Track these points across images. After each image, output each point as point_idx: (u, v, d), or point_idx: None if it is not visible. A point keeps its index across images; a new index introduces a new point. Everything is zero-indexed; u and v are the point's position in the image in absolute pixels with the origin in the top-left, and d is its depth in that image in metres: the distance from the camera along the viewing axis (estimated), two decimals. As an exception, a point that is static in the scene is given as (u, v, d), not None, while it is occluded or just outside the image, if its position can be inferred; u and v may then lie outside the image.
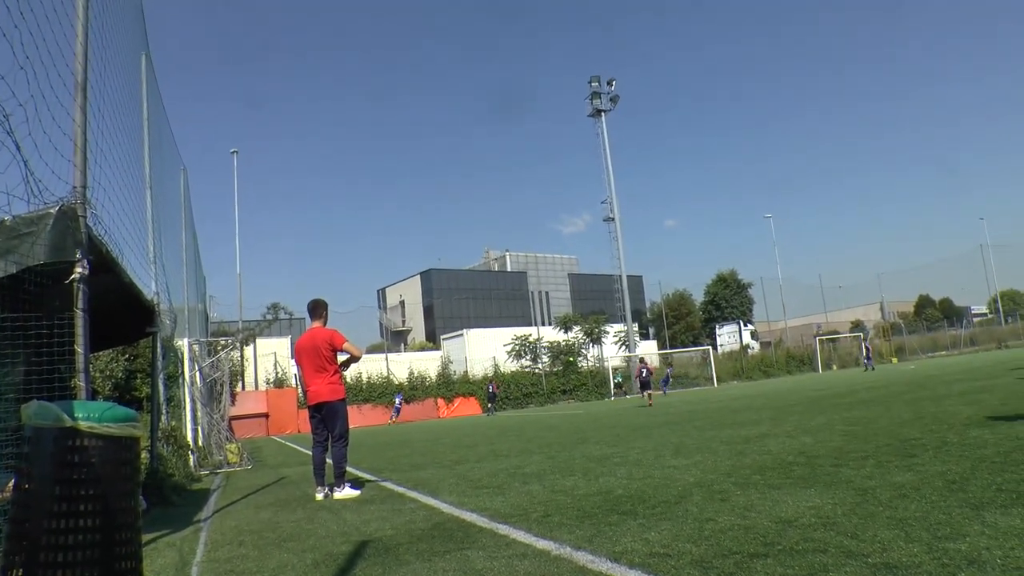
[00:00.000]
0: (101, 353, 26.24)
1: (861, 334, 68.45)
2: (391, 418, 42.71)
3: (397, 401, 43.83)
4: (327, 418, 9.08)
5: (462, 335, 62.56)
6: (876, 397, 17.19)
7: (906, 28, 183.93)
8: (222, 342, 21.70)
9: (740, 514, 5.28)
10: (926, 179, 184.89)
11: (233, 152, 46.61)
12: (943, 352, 56.42)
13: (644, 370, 34.56)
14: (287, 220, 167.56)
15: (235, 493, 10.36)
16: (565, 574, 4.16)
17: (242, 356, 41.57)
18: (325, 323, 9.28)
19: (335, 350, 9.05)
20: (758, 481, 6.72)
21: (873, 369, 44.28)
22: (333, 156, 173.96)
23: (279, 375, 44.64)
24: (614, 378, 52.08)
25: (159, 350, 10.56)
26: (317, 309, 9.27)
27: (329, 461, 9.08)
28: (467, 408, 46.59)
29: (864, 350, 49.81)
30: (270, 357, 45.66)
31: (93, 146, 6.24)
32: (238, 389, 39.53)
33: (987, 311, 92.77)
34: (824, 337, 68.47)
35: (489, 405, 44.47)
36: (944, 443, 7.90)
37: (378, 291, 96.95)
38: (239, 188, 45.17)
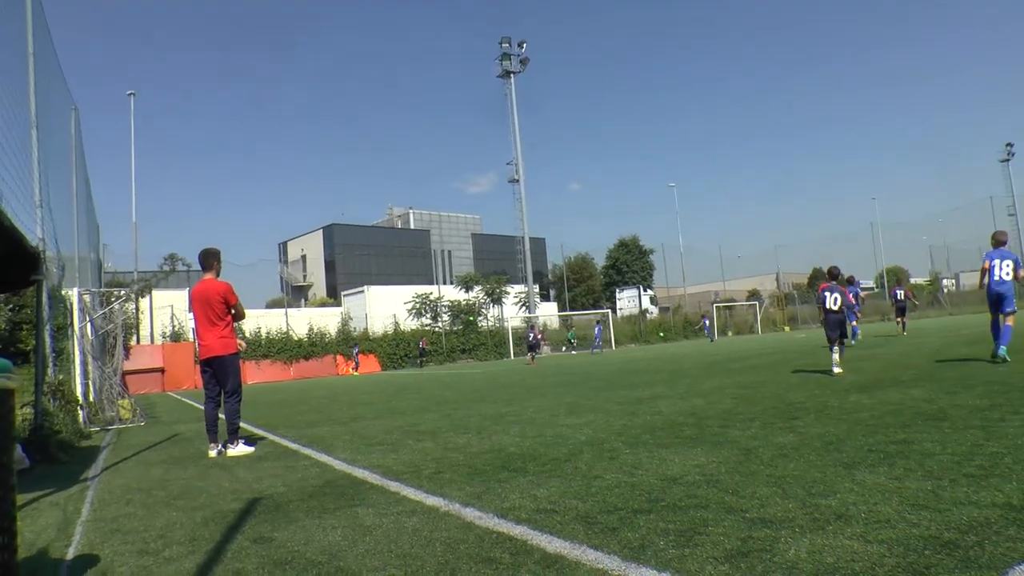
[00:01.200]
0: (-20, 301, 25.13)
1: (758, 304, 70.60)
2: (353, 369, 44.25)
3: (355, 352, 45.38)
4: (219, 372, 8.89)
5: (363, 292, 62.05)
6: (766, 363, 17.79)
7: None
8: (116, 293, 20.97)
9: (628, 472, 5.43)
10: (825, 156, 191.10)
11: (130, 94, 44.59)
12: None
13: (531, 334, 39.35)
14: (186, 169, 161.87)
15: (126, 450, 10.11)
16: (452, 530, 4.22)
17: (137, 308, 40.32)
18: (218, 274, 9.01)
19: (228, 305, 8.87)
20: (648, 440, 6.91)
21: (713, 340, 47.19)
22: (235, 104, 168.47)
23: (176, 328, 43.41)
24: (568, 335, 53.95)
25: (45, 299, 10.15)
26: (208, 259, 8.97)
27: (222, 417, 8.93)
28: (367, 365, 46.32)
29: (703, 321, 52.35)
30: (167, 310, 44.37)
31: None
32: (132, 343, 38.37)
33: (874, 285, 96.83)
34: (721, 304, 70.28)
35: (420, 360, 46.87)
36: (825, 407, 8.27)
37: (279, 244, 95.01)
38: (136, 133, 43.31)
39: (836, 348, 13.31)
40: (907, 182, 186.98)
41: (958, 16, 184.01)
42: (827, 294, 13.52)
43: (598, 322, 53.56)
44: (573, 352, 50.16)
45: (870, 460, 5.08)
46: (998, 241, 12.93)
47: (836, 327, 13.42)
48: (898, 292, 29.75)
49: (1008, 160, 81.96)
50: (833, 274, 13.99)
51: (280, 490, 5.96)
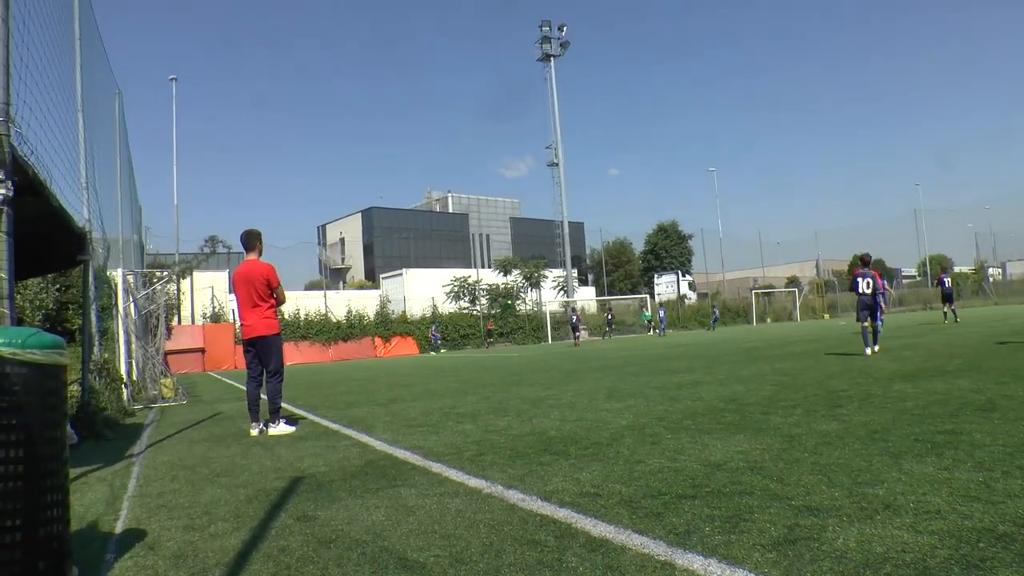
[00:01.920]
0: (30, 282, 25.57)
1: (798, 290, 69.91)
2: (434, 351, 45.29)
3: (433, 330, 46.99)
4: (261, 353, 8.96)
5: (401, 275, 62.36)
6: (807, 351, 17.63)
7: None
8: (158, 274, 21.24)
9: (670, 457, 5.40)
10: (867, 143, 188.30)
11: (172, 79, 45.09)
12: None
13: (574, 316, 41.48)
14: (228, 153, 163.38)
15: (169, 428, 10.24)
16: (495, 512, 4.22)
17: (178, 289, 40.79)
18: (260, 255, 9.06)
19: (271, 287, 8.93)
20: (689, 426, 6.86)
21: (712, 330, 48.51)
22: (276, 90, 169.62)
23: (216, 310, 44.02)
24: (641, 317, 55.57)
25: (91, 280, 10.29)
26: (251, 240, 9.01)
27: (264, 397, 9.00)
28: (404, 348, 46.61)
29: (713, 312, 52.74)
30: (207, 291, 44.94)
31: (17, 61, 5.98)
32: (174, 323, 38.89)
33: (916, 273, 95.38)
34: (760, 291, 69.71)
35: (436, 343, 47.41)
36: (869, 395, 8.17)
37: (318, 227, 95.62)
38: (178, 118, 43.82)
39: (869, 330, 14.61)
40: (953, 168, 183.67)
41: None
42: (859, 279, 14.70)
43: (661, 305, 54.33)
44: (651, 333, 52.02)
45: (917, 450, 5.00)
46: None
47: (867, 309, 14.65)
48: (946, 279, 29.44)
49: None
50: (865, 260, 15.01)
51: (322, 469, 5.99)
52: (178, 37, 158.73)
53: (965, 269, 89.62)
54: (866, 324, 14.82)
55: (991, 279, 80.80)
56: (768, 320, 64.01)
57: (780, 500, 3.98)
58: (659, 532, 3.58)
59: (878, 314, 14.85)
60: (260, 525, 4.30)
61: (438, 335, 47.33)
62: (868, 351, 14.44)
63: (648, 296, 63.93)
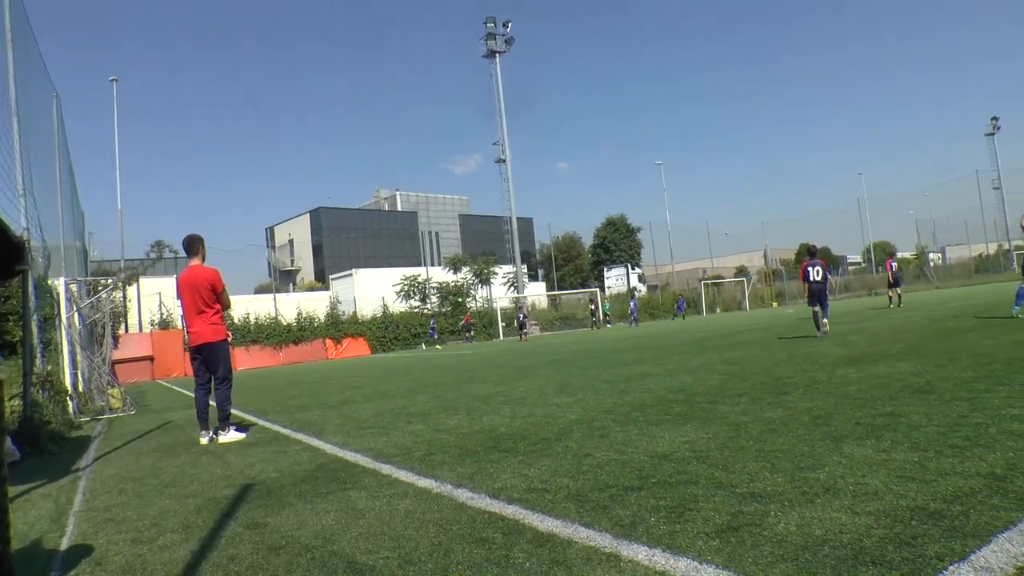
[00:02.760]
0: (-37, 293, 24.90)
1: (746, 280, 70.84)
2: (437, 345, 46.14)
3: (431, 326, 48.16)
4: (208, 360, 8.86)
5: (351, 275, 62.01)
6: (755, 339, 17.89)
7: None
8: (103, 282, 20.85)
9: (618, 449, 5.47)
10: (812, 133, 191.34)
11: (112, 80, 44.20)
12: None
13: (521, 313, 40.66)
14: (172, 156, 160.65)
15: (117, 440, 10.09)
16: (444, 511, 4.25)
17: (125, 296, 40.13)
18: (203, 260, 8.96)
19: (216, 292, 8.83)
20: (637, 418, 6.95)
21: (683, 319, 50.45)
22: (219, 90, 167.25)
23: (164, 316, 43.27)
24: (603, 308, 56.33)
25: (31, 290, 10.10)
26: (193, 245, 8.90)
27: (213, 404, 8.92)
28: (355, 349, 46.34)
29: (631, 307, 54.10)
30: (155, 298, 44.18)
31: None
32: (121, 331, 38.21)
33: (861, 260, 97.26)
34: (709, 281, 70.48)
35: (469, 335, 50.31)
36: (814, 381, 8.33)
37: (267, 229, 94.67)
38: (121, 120, 43.04)
39: (821, 314, 15.92)
40: (894, 157, 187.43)
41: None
42: (809, 268, 16.12)
43: (632, 297, 54.99)
44: (609, 326, 53.63)
45: (858, 433, 5.13)
46: None
47: (817, 295, 16.04)
48: (892, 264, 30.30)
49: (993, 134, 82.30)
50: (812, 251, 16.47)
51: (272, 475, 5.97)
52: (119, 38, 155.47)
53: (907, 255, 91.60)
54: (817, 308, 16.06)
55: (932, 264, 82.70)
56: (718, 310, 64.78)
57: (725, 488, 4.06)
58: (605, 525, 3.64)
59: (826, 299, 16.09)
60: (210, 535, 4.28)
61: (435, 329, 48.46)
62: (819, 332, 15.81)
63: (598, 290, 64.21)
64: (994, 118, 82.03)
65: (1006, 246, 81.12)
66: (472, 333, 51.05)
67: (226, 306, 9.03)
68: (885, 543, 2.99)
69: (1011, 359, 8.45)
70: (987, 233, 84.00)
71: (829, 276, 16.54)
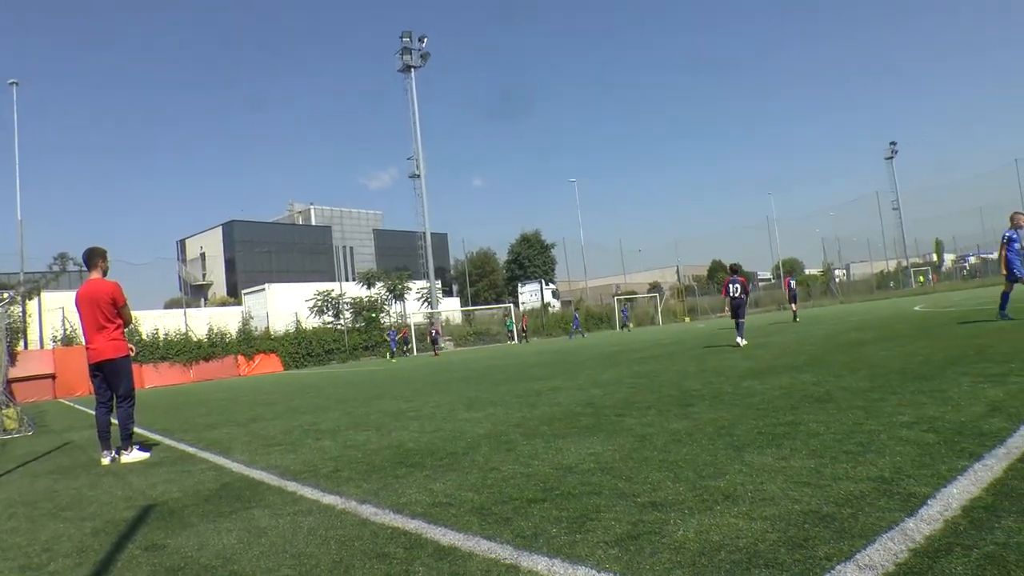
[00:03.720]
0: None
1: (659, 295, 72.01)
2: (390, 356, 45.59)
3: (392, 337, 47.37)
4: (109, 377, 8.58)
5: (264, 290, 60.93)
6: (665, 353, 18.19)
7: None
8: (0, 296, 20.06)
9: (524, 463, 5.49)
10: (723, 152, 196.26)
11: (12, 83, 42.50)
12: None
13: (434, 329, 44.68)
14: (77, 165, 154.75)
15: (9, 462, 9.68)
16: (347, 527, 4.21)
17: (24, 311, 38.66)
18: (104, 273, 8.70)
19: (117, 306, 8.57)
20: (545, 431, 6.99)
21: (629, 330, 51.72)
22: (130, 95, 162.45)
23: (68, 332, 41.60)
24: (507, 324, 56.97)
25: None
26: (92, 259, 8.64)
27: (115, 422, 8.64)
28: (268, 365, 45.54)
29: (623, 315, 55.26)
30: (57, 312, 42.45)
31: None
32: (20, 348, 36.78)
33: (771, 276, 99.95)
34: (623, 297, 71.39)
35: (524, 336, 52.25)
36: (720, 393, 8.51)
37: (177, 242, 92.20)
38: (22, 125, 41.45)
39: (739, 325, 17.98)
40: (801, 178, 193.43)
41: (845, 18, 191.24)
42: (731, 284, 18.43)
43: (576, 309, 56.49)
44: (512, 342, 53.87)
45: (759, 442, 5.25)
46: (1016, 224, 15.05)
47: (737, 309, 18.24)
48: (791, 282, 32.14)
49: (892, 157, 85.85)
50: (735, 269, 18.88)
51: (175, 496, 5.83)
52: (23, 37, 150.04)
53: (815, 271, 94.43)
54: (742, 320, 18.22)
55: (837, 280, 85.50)
56: (631, 325, 65.65)
57: (627, 498, 4.12)
58: (507, 536, 3.65)
59: (743, 312, 18.07)
60: (105, 559, 4.16)
61: (396, 339, 48.10)
62: (741, 341, 17.43)
63: (512, 305, 64.49)
64: (892, 142, 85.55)
65: (904, 263, 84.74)
66: (408, 347, 51.16)
67: (127, 322, 8.78)
68: (778, 546, 3.07)
69: (904, 369, 8.76)
70: (887, 251, 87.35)
71: (748, 293, 18.42)
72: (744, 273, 20.44)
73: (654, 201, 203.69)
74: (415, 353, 50.90)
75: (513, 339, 54.30)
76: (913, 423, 5.37)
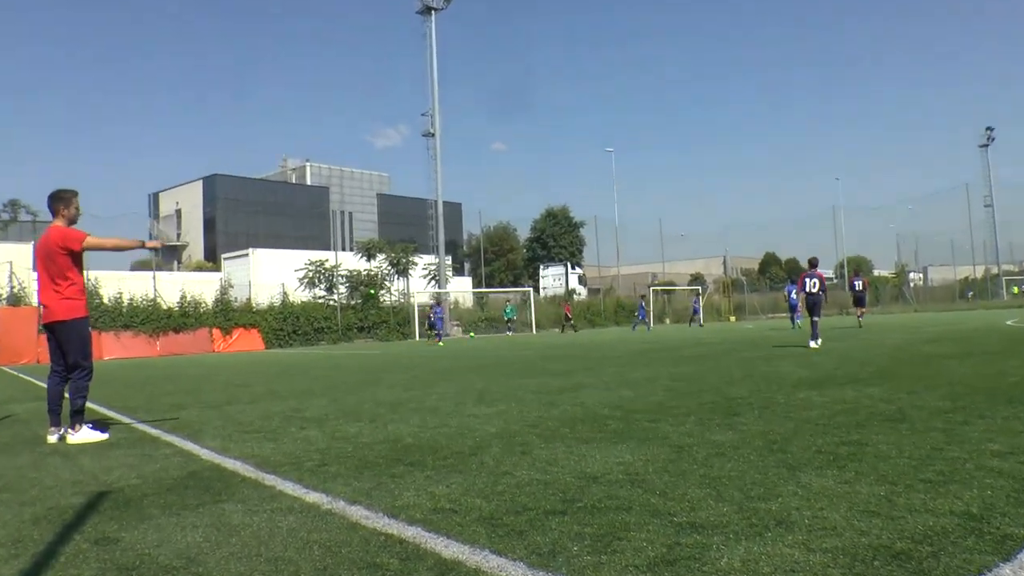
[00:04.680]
0: None
1: (699, 289, 71.76)
2: (438, 339, 41.57)
3: (438, 314, 42.42)
4: (61, 341, 8.48)
5: (247, 255, 61.09)
6: (707, 353, 18.12)
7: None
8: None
9: (541, 468, 5.42)
10: (785, 129, 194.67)
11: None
12: (784, 314, 59.80)
13: (439, 308, 43.13)
14: (37, 99, 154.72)
15: (-63, 435, 9.72)
16: (334, 531, 4.14)
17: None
18: (70, 223, 8.51)
19: (73, 253, 8.44)
20: (566, 434, 6.94)
21: (701, 326, 50.98)
22: (92, 22, 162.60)
23: (16, 290, 41.75)
24: (505, 313, 55.71)
25: None
26: (55, 203, 8.39)
27: (68, 396, 8.59)
28: (248, 341, 45.70)
29: (692, 308, 54.57)
30: (4, 267, 42.64)
31: None
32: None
33: (833, 275, 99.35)
34: (659, 288, 71.23)
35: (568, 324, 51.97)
36: (770, 403, 8.43)
37: (150, 195, 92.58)
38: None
39: (814, 325, 18.88)
40: (877, 162, 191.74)
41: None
42: (808, 280, 19.66)
43: (641, 297, 55.90)
44: (509, 333, 52.96)
45: (818, 462, 5.16)
46: None
47: (813, 307, 19.38)
48: (856, 283, 31.79)
49: (987, 145, 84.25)
50: (812, 263, 20.12)
51: (133, 483, 5.79)
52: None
53: (885, 273, 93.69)
54: (817, 319, 19.18)
55: (912, 284, 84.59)
56: (667, 321, 65.59)
57: (661, 516, 4.04)
58: (520, 552, 3.58)
59: (819, 311, 19.10)
60: (46, 551, 4.08)
61: (441, 317, 43.75)
62: (814, 343, 18.34)
63: (531, 289, 64.40)
64: (989, 128, 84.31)
65: (995, 270, 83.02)
66: (571, 322, 52.55)
67: (108, 248, 8.86)
68: (842, 585, 2.97)
69: (993, 390, 8.65)
70: (975, 254, 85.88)
71: (826, 291, 19.50)
72: (797, 270, 20.67)
73: (702, 180, 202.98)
74: (417, 338, 50.93)
75: (511, 330, 54.09)
76: (1007, 453, 5.26)
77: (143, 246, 9.05)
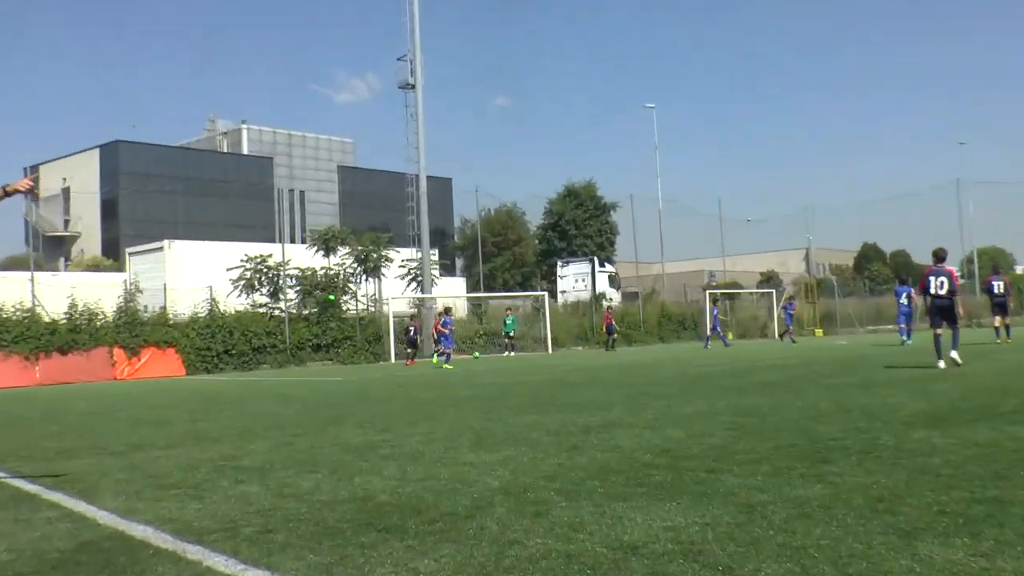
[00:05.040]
0: None
1: (791, 292, 71.74)
2: (444, 360, 39.12)
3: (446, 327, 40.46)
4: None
5: (162, 249, 61.07)
6: (785, 379, 18.11)
7: None
8: None
9: (562, 536, 5.41)
10: (887, 78, 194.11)
11: None
12: (890, 326, 59.70)
13: (412, 328, 44.12)
14: None
15: None
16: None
17: None
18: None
19: None
20: (595, 489, 6.94)
21: (794, 342, 49.88)
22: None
23: None
24: (504, 327, 54.84)
25: None
26: None
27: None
28: (163, 365, 45.60)
29: (786, 315, 54.12)
30: None
31: None
32: None
33: (960, 272, 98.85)
34: (718, 291, 71.26)
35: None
36: (874, 446, 8.41)
37: (26, 169, 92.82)
38: None
39: (943, 338, 18.92)
40: (1015, 120, 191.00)
41: None
42: (931, 278, 19.22)
43: (714, 301, 56.39)
44: (507, 354, 52.36)
45: (941, 527, 5.13)
46: None
47: (941, 314, 19.13)
48: (995, 284, 31.04)
49: None
50: (940, 256, 19.96)
51: (2, 558, 5.80)
52: None
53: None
54: (939, 331, 19.08)
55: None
56: (729, 335, 65.55)
57: (727, 602, 4.00)
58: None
59: (954, 316, 18.94)
60: None
61: (450, 334, 41.24)
62: (941, 364, 18.53)
63: (546, 294, 64.31)
64: None
65: None
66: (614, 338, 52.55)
67: None
68: None
69: None
70: None
71: (957, 292, 19.16)
72: (907, 265, 20.61)
73: (775, 146, 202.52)
74: (392, 360, 50.91)
75: (512, 349, 53.65)
76: None
77: (5, 193, 9.03)
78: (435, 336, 42.07)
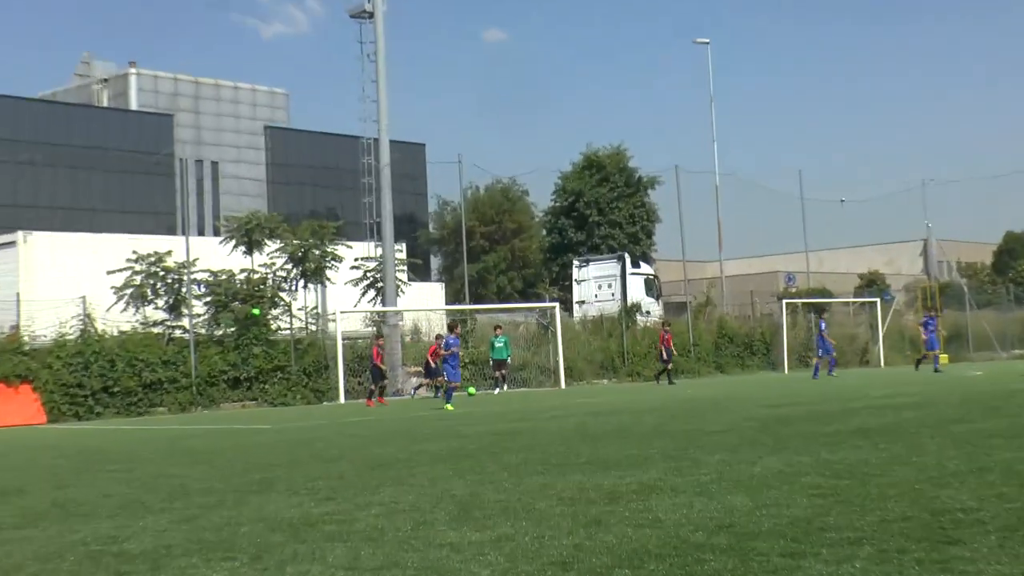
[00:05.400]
0: None
1: (882, 301, 71.82)
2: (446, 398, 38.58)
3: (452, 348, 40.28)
4: None
5: (13, 244, 61.16)
6: (895, 425, 18.09)
7: None
8: None
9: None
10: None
11: None
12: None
13: (451, 342, 40.48)
14: None
15: None
16: None
17: None
18: None
19: None
20: (624, 582, 6.83)
21: (937, 371, 50.43)
22: None
23: None
24: (492, 351, 54.78)
25: None
26: None
27: None
28: (11, 409, 45.35)
29: (926, 333, 54.08)
30: None
31: None
32: None
33: None
34: (799, 300, 71.29)
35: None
36: (1022, 521, 8.31)
37: None
38: None
39: None
40: None
41: None
42: None
43: (821, 315, 57.41)
44: (497, 391, 52.08)
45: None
46: None
47: None
48: None
49: None
50: None
51: None
52: None
53: None
54: None
55: None
56: (813, 360, 65.61)
57: None
58: None
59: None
60: None
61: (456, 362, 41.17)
62: None
63: (556, 303, 64.13)
64: None
65: None
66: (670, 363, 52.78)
67: None
68: None
69: None
70: None
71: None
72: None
73: (871, 101, 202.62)
74: (342, 399, 50.79)
75: (503, 383, 53.64)
76: None
77: None
78: (433, 364, 41.95)
